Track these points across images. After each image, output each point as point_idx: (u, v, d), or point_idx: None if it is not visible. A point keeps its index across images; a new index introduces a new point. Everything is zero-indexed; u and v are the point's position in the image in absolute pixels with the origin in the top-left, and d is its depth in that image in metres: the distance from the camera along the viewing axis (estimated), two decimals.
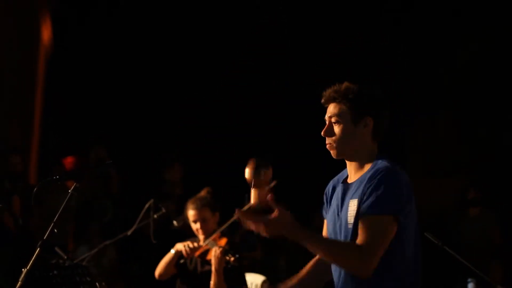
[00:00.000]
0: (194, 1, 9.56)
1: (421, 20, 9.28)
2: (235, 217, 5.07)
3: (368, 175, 2.96)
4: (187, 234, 5.39)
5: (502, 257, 8.04)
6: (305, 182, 7.72)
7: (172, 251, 5.07)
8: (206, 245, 4.97)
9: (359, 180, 3.00)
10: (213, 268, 4.81)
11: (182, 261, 5.06)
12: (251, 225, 2.84)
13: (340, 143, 3.04)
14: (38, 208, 6.53)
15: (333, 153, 3.07)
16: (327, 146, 3.08)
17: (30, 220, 6.94)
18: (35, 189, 3.44)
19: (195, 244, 5.00)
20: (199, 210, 5.06)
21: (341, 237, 3.01)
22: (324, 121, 3.13)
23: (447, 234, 8.00)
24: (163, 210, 5.32)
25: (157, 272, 5.16)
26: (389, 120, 3.10)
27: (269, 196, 2.86)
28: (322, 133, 3.09)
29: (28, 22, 8.47)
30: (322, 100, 3.12)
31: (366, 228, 2.87)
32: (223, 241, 4.98)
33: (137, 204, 5.92)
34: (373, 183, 2.90)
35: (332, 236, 3.09)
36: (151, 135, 9.35)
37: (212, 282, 4.83)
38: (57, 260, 4.70)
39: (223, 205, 6.32)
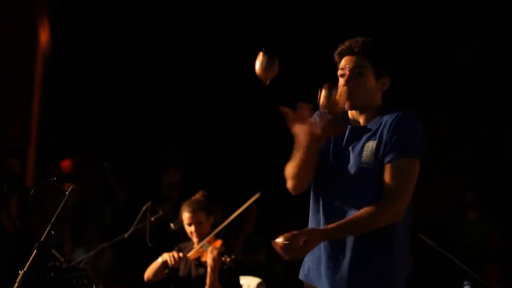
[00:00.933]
0: (193, 0, 9.55)
1: (420, 20, 9.28)
2: (229, 220, 5.10)
3: (388, 120, 3.00)
4: (184, 236, 5.40)
5: (500, 260, 8.04)
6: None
7: (160, 259, 5.05)
8: (201, 247, 4.97)
9: (374, 123, 3.04)
10: (208, 269, 4.80)
11: (166, 270, 5.04)
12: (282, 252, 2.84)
13: (360, 94, 3.06)
14: (36, 210, 6.54)
15: (348, 104, 3.05)
16: (341, 96, 3.00)
17: (28, 222, 6.95)
18: (33, 191, 3.45)
19: (181, 255, 4.97)
20: (194, 213, 5.05)
21: (349, 176, 3.01)
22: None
23: (445, 237, 8.01)
24: (160, 213, 5.34)
25: (146, 276, 5.17)
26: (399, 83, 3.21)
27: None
28: (343, 82, 3.06)
29: (27, 23, 8.48)
30: (342, 50, 3.13)
31: (396, 174, 2.93)
32: (218, 243, 4.97)
33: (135, 206, 5.93)
34: (396, 127, 2.96)
35: (330, 172, 3.06)
36: (149, 137, 9.34)
37: (207, 284, 4.83)
38: (54, 263, 4.71)
39: (222, 206, 6.34)
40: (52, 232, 3.37)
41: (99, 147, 8.64)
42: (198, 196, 5.20)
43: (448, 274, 7.47)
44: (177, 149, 8.98)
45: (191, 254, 5.01)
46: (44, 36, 8.99)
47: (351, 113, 3.15)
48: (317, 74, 3.37)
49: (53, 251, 4.82)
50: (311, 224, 3.13)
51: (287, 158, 3.08)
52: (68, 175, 5.99)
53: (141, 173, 8.77)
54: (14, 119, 8.28)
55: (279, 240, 2.82)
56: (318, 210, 3.11)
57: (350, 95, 3.04)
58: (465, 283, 4.57)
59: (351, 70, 3.07)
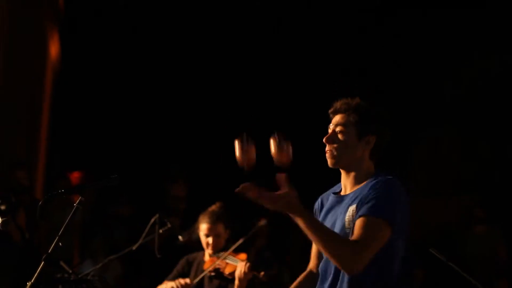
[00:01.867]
0: (206, 25, 9.57)
1: (425, 36, 9.29)
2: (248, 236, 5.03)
3: (370, 184, 3.02)
4: (192, 249, 5.39)
5: (508, 275, 8.02)
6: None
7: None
8: (223, 260, 4.87)
9: (360, 189, 3.06)
10: (236, 282, 4.65)
11: None
12: (254, 194, 2.85)
13: (340, 152, 3.10)
14: (43, 222, 6.54)
15: (330, 161, 3.13)
16: (327, 153, 3.13)
17: (36, 234, 6.95)
18: (41, 202, 3.45)
19: (187, 281, 4.91)
20: (213, 224, 4.98)
21: None
22: (326, 131, 3.19)
23: (453, 252, 7.98)
24: (169, 225, 5.31)
25: None
26: (389, 142, 3.17)
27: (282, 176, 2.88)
28: (324, 139, 3.14)
29: (36, 38, 8.52)
30: (331, 110, 3.20)
31: (362, 227, 2.91)
32: (243, 256, 4.86)
33: (143, 219, 5.92)
34: (375, 189, 2.97)
35: None
36: (156, 151, 9.36)
37: None
38: (62, 274, 4.70)
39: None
40: (60, 244, 3.36)
41: (106, 160, 8.66)
42: (215, 207, 5.12)
43: None
44: (183, 163, 8.99)
45: (210, 266, 4.91)
46: (54, 50, 9.03)
47: (343, 179, 3.19)
48: (321, 90, 3.39)
49: (61, 262, 4.82)
50: None
51: (295, 173, 3.09)
52: (76, 186, 5.99)
53: (149, 186, 8.77)
54: (23, 131, 8.30)
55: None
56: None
57: (330, 153, 3.13)
58: None
59: (333, 127, 3.15)
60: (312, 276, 3.33)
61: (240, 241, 4.94)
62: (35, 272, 3.33)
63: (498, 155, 9.14)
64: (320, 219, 3.20)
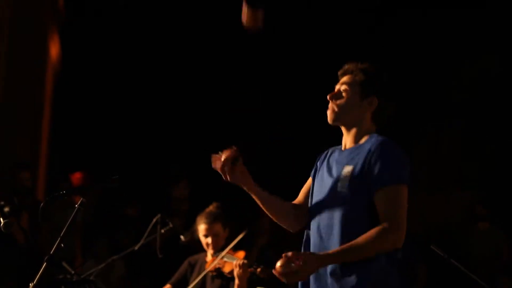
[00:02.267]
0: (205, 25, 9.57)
1: (429, 34, 9.29)
2: (244, 233, 5.05)
3: (368, 146, 3.03)
4: (194, 249, 5.40)
5: (511, 272, 8.01)
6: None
7: None
8: (222, 259, 4.89)
9: (355, 148, 3.09)
10: (236, 281, 4.69)
11: None
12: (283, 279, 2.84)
13: (341, 109, 3.14)
14: (45, 224, 6.55)
15: (330, 117, 3.16)
16: (328, 110, 3.17)
17: (38, 235, 6.96)
18: (43, 203, 3.46)
19: None
20: (210, 224, 5.02)
21: (327, 198, 3.06)
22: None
23: (455, 249, 7.98)
24: (170, 225, 5.32)
25: None
26: (393, 111, 3.20)
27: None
28: (328, 95, 3.18)
29: (36, 39, 8.52)
30: (340, 71, 3.23)
31: (388, 200, 2.93)
32: (241, 254, 4.89)
33: (145, 219, 5.93)
34: (378, 154, 2.98)
35: (318, 197, 3.12)
36: (158, 152, 9.37)
37: None
38: (65, 275, 4.71)
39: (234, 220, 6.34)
40: (62, 245, 3.37)
41: (108, 161, 8.67)
42: (212, 208, 5.15)
43: (459, 285, 7.44)
44: (185, 163, 9.00)
45: (210, 266, 4.93)
46: (54, 50, 9.04)
47: (344, 138, 3.20)
48: (323, 87, 3.40)
49: (64, 263, 4.83)
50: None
51: (296, 172, 3.10)
52: (77, 187, 6.00)
53: (150, 187, 8.78)
54: (24, 133, 8.30)
55: (277, 264, 2.82)
56: (308, 235, 3.18)
57: (331, 110, 3.17)
58: None
59: (339, 86, 3.20)
60: (289, 205, 3.29)
61: (238, 238, 4.96)
62: (38, 273, 3.33)
63: (500, 151, 9.14)
64: (322, 174, 3.18)
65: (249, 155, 3.20)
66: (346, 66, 3.22)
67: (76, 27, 9.34)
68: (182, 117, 9.49)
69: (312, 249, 3.09)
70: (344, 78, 3.19)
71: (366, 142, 3.08)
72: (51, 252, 3.34)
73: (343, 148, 3.19)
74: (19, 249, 6.38)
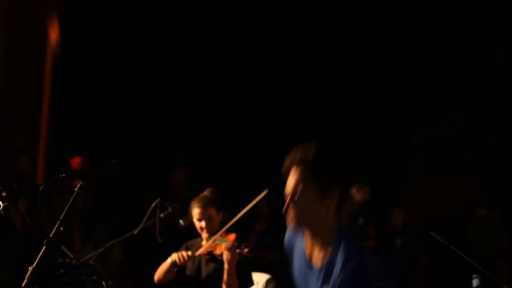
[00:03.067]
0: (207, 11, 9.55)
1: (430, 25, 9.28)
2: (239, 215, 5.09)
3: (338, 265, 2.65)
4: (193, 233, 5.40)
5: (509, 258, 8.04)
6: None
7: (169, 260, 5.05)
8: (213, 242, 4.96)
9: (325, 267, 2.71)
10: (225, 264, 4.78)
11: (175, 269, 5.04)
12: None
13: (301, 215, 2.72)
14: (45, 208, 6.56)
15: (292, 223, 2.76)
16: (288, 214, 2.76)
17: (38, 220, 6.97)
18: (42, 187, 3.45)
19: (189, 253, 4.97)
20: (204, 208, 5.07)
21: None
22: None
23: (455, 235, 8.01)
24: (169, 209, 5.34)
25: (156, 277, 5.18)
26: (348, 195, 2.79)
27: None
28: (283, 210, 2.77)
29: (35, 24, 8.50)
30: (284, 170, 2.78)
31: None
32: (232, 236, 4.97)
33: (144, 204, 5.93)
34: (346, 280, 2.61)
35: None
36: (156, 137, 9.37)
37: (224, 278, 4.80)
38: (64, 259, 4.72)
39: (229, 204, 6.35)
40: (61, 228, 3.37)
41: (107, 146, 8.67)
42: (206, 192, 5.20)
43: (458, 271, 7.46)
44: (184, 148, 9.01)
45: (202, 250, 5.00)
46: (53, 34, 9.01)
47: (307, 237, 2.83)
48: (326, 79, 3.37)
49: (63, 247, 4.83)
50: None
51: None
52: (77, 171, 6.00)
53: (149, 172, 8.79)
54: (23, 118, 8.30)
55: None
56: None
57: (290, 216, 2.75)
58: (474, 276, 4.55)
59: (292, 186, 2.74)
60: None
61: (231, 222, 5.00)
62: (37, 257, 3.33)
63: (499, 139, 9.15)
64: (298, 273, 2.88)
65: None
66: (287, 162, 2.75)
67: (75, 11, 9.31)
68: (180, 101, 9.48)
69: None
70: (295, 172, 2.72)
71: (334, 253, 2.68)
72: (51, 236, 3.34)
73: (307, 251, 2.81)
74: (17, 233, 6.39)
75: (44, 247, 3.33)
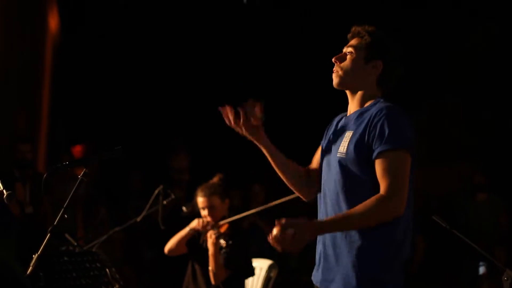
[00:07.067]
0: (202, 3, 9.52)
1: (428, 6, 9.25)
2: (243, 214, 5.13)
3: (372, 110, 2.97)
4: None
5: (508, 242, 8.07)
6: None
7: (187, 228, 5.13)
8: (212, 229, 5.02)
9: (359, 113, 3.03)
10: (209, 252, 4.90)
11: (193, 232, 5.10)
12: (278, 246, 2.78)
13: (346, 72, 3.08)
14: (48, 196, 6.56)
15: (335, 80, 3.11)
16: (333, 73, 3.12)
17: (40, 207, 6.98)
18: (45, 175, 3.46)
19: (210, 220, 5.06)
20: (208, 197, 5.11)
21: (330, 166, 3.02)
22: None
23: (455, 218, 8.02)
24: (172, 196, 5.34)
25: (167, 247, 5.22)
26: (399, 75, 3.16)
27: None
28: (333, 58, 3.13)
29: (35, 11, 8.48)
30: (349, 34, 3.18)
31: (387, 167, 2.84)
32: (224, 227, 5.04)
33: (147, 190, 5.94)
34: (381, 118, 2.90)
35: (324, 164, 3.10)
36: (158, 123, 9.37)
37: (210, 267, 4.92)
38: (67, 247, 4.73)
39: (238, 191, 6.37)
40: (65, 216, 3.38)
41: (109, 132, 8.67)
42: (215, 179, 5.23)
43: (460, 255, 7.48)
44: (185, 134, 9.01)
45: (203, 237, 5.06)
46: (53, 22, 9.00)
47: (349, 103, 3.15)
48: (322, 58, 3.37)
49: (66, 235, 4.85)
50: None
51: (296, 143, 3.08)
52: (79, 159, 5.99)
53: (151, 158, 8.80)
54: (23, 108, 8.30)
55: (273, 232, 2.76)
56: (319, 203, 3.15)
57: (336, 73, 3.11)
58: (480, 263, 4.56)
59: (345, 50, 3.14)
60: (303, 170, 3.27)
61: (232, 218, 5.05)
62: (41, 245, 3.35)
63: (499, 122, 9.15)
64: (329, 139, 3.14)
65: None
66: (353, 28, 3.17)
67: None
68: (182, 87, 9.47)
69: (321, 216, 3.06)
70: (351, 41, 3.14)
71: (370, 106, 3.03)
72: (55, 224, 3.36)
73: (348, 113, 3.14)
74: (16, 221, 6.40)
75: (48, 234, 3.35)
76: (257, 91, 9.19)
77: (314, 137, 3.51)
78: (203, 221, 5.06)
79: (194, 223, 5.10)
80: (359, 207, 2.82)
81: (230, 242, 4.90)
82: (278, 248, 2.77)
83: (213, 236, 4.89)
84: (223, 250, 4.90)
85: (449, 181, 9.02)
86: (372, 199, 2.81)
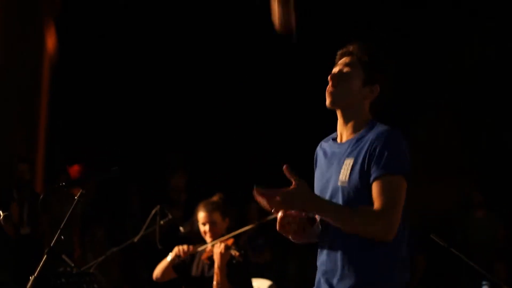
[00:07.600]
0: (201, 8, 9.53)
1: (427, 20, 9.27)
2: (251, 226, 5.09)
3: (370, 136, 2.88)
4: (193, 240, 5.40)
5: (507, 258, 8.05)
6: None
7: (168, 257, 5.06)
8: (213, 246, 4.97)
9: (356, 140, 2.93)
10: (215, 265, 4.83)
11: (176, 260, 5.06)
12: (264, 201, 2.77)
13: (342, 93, 2.96)
14: (45, 216, 6.56)
15: (328, 100, 2.97)
16: (327, 92, 2.98)
17: (38, 227, 6.96)
18: (42, 196, 3.45)
19: (191, 247, 5.01)
20: (209, 212, 5.08)
21: (328, 196, 2.94)
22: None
23: (453, 236, 8.01)
24: (170, 216, 5.33)
25: (154, 274, 5.20)
26: (388, 99, 3.06)
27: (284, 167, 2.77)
28: (330, 76, 2.99)
29: (33, 30, 8.50)
30: (342, 51, 3.06)
31: (383, 190, 2.79)
32: (230, 241, 4.99)
33: (144, 211, 5.93)
34: (382, 144, 2.83)
35: (320, 192, 3.00)
36: (155, 142, 9.36)
37: (214, 280, 4.85)
38: (65, 268, 4.71)
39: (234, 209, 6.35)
40: (62, 237, 3.37)
41: (106, 152, 8.66)
42: (215, 198, 5.21)
43: (458, 274, 7.46)
44: (183, 153, 9.00)
45: (204, 255, 5.02)
46: (50, 42, 9.01)
47: (339, 125, 3.04)
48: (324, 71, 3.34)
49: (63, 256, 4.83)
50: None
51: (294, 160, 3.04)
52: (76, 179, 5.98)
53: (148, 178, 8.79)
54: (20, 127, 8.29)
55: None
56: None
57: (330, 92, 2.97)
58: (483, 283, 4.54)
59: (340, 68, 3.00)
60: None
61: (233, 233, 5.02)
62: (37, 266, 3.33)
63: (497, 139, 9.15)
64: (322, 168, 3.06)
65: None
66: (349, 47, 3.03)
67: (72, 17, 9.30)
68: (179, 106, 9.47)
69: (325, 242, 2.99)
70: (346, 59, 3.01)
71: (366, 131, 2.93)
72: (51, 245, 3.34)
73: (339, 138, 3.03)
74: (11, 242, 6.38)
75: (45, 256, 3.33)
76: (256, 95, 9.23)
77: (314, 137, 3.49)
78: (183, 249, 5.01)
79: (175, 251, 5.04)
80: (357, 211, 2.80)
81: (243, 251, 4.85)
82: (280, 207, 2.79)
83: (222, 246, 4.84)
84: (235, 261, 4.83)
85: (447, 198, 9.00)
86: (370, 209, 2.78)
